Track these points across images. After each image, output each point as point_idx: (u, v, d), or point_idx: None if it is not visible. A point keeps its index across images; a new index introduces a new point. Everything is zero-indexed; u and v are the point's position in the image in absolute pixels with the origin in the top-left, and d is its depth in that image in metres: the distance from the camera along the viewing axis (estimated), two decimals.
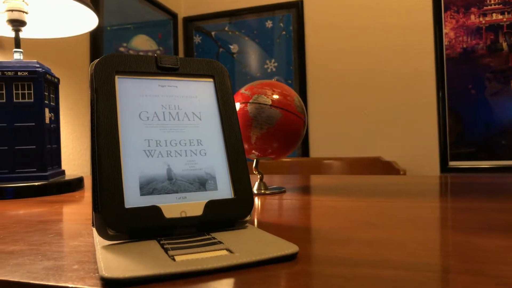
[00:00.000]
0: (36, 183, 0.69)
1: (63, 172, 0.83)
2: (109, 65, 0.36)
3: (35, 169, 0.72)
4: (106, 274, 0.24)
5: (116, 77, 0.36)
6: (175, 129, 0.36)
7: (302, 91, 1.96)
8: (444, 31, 1.81)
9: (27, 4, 0.78)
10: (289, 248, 0.29)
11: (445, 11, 1.81)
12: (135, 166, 0.34)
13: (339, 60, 1.94)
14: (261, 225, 0.40)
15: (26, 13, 0.77)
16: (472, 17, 1.78)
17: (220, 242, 0.30)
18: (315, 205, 0.51)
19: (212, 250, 0.29)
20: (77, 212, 0.52)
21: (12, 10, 0.75)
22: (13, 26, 0.76)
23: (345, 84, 1.93)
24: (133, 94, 0.36)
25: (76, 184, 0.75)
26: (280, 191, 0.63)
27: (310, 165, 1.50)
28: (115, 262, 0.26)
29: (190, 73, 0.39)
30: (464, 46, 1.78)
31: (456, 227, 0.36)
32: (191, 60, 0.40)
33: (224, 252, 0.28)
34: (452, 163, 1.77)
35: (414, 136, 1.83)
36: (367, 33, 1.90)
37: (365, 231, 0.35)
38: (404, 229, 0.36)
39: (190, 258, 0.27)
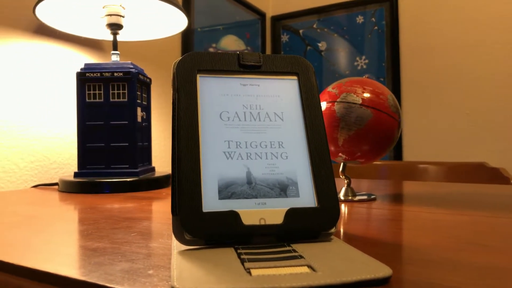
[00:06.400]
0: (128, 179, 0.72)
1: (153, 169, 0.87)
2: (191, 63, 0.35)
3: (127, 166, 0.76)
4: (177, 285, 0.23)
5: (198, 76, 0.35)
6: (256, 130, 0.34)
7: (396, 89, 1.84)
8: None
9: (124, 8, 0.82)
10: (380, 270, 0.25)
11: None
12: (214, 168, 0.32)
13: (438, 56, 1.79)
14: (347, 238, 0.36)
15: (123, 16, 0.81)
16: None
17: (301, 257, 0.27)
18: (409, 217, 0.46)
19: (292, 266, 0.26)
20: (161, 210, 0.53)
21: (110, 15, 0.79)
22: (111, 29, 0.81)
23: (445, 82, 1.77)
24: (214, 93, 0.35)
25: (164, 181, 0.78)
26: (370, 198, 0.58)
27: (403, 170, 1.39)
28: (189, 271, 0.25)
29: (273, 71, 0.37)
30: None
31: None
32: (274, 57, 0.38)
33: (305, 269, 0.25)
34: None
35: None
36: (469, 26, 1.72)
37: (474, 254, 0.30)
38: None
39: (267, 274, 0.24)
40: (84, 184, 0.71)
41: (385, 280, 0.24)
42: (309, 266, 0.26)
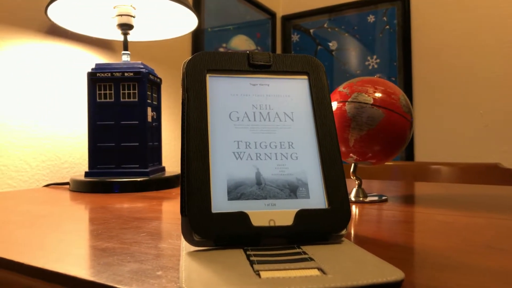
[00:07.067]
0: (138, 179, 0.72)
1: (163, 169, 0.87)
2: (201, 63, 0.35)
3: (137, 165, 0.76)
4: (186, 286, 0.22)
5: (208, 75, 0.35)
6: (265, 130, 0.34)
7: (407, 89, 1.83)
8: None
9: (135, 9, 0.82)
10: (392, 273, 0.24)
11: None
12: (224, 169, 0.32)
13: (450, 55, 1.76)
14: (358, 240, 0.36)
15: (133, 17, 0.82)
16: None
17: (311, 259, 0.27)
18: (421, 219, 0.45)
19: (302, 268, 0.25)
20: (171, 210, 0.53)
21: (121, 15, 0.80)
22: (122, 29, 0.81)
23: (457, 81, 1.75)
24: (224, 93, 0.35)
25: (174, 181, 0.78)
26: (381, 199, 0.57)
27: (415, 170, 1.38)
28: (197, 273, 0.25)
29: (284, 71, 0.37)
30: None
31: None
32: (284, 56, 0.37)
33: (315, 272, 0.25)
34: None
35: None
36: (482, 25, 1.69)
37: (488, 257, 0.29)
38: None
39: (276, 276, 0.24)
40: (94, 184, 0.71)
41: (397, 284, 0.24)
42: (320, 269, 0.25)
